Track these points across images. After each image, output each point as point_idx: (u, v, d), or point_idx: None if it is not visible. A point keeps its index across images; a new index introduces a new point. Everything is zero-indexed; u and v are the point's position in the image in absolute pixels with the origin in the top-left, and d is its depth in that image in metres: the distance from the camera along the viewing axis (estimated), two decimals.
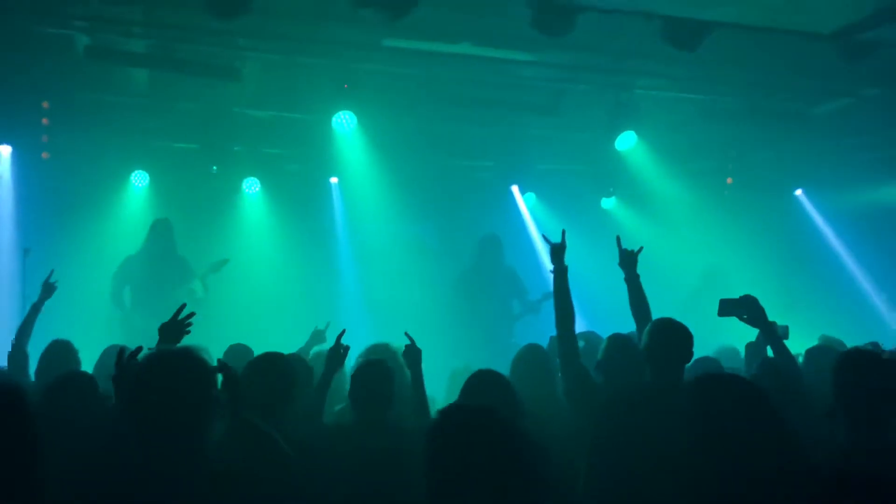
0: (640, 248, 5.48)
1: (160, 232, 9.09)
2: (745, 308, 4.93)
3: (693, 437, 3.03)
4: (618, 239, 5.56)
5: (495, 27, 7.29)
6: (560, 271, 5.14)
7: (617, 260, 5.50)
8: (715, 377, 3.37)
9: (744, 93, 8.82)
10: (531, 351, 5.38)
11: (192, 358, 3.10)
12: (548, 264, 5.23)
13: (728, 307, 4.98)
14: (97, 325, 8.58)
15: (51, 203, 9.30)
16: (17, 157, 9.16)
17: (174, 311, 8.15)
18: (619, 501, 3.77)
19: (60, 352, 5.57)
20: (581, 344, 6.06)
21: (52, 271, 6.27)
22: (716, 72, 8.17)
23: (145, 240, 9.08)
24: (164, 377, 2.99)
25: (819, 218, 10.91)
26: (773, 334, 4.86)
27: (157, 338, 7.92)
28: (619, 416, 4.06)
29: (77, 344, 5.93)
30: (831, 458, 3.34)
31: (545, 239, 5.54)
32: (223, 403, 3.13)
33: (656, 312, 5.26)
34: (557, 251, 5.27)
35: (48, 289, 6.15)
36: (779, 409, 4.05)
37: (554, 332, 6.34)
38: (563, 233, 5.38)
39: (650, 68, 8.34)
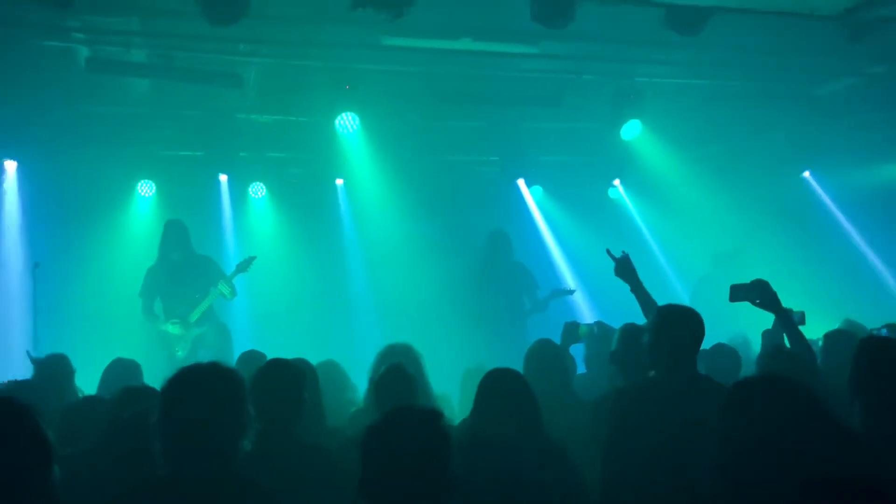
0: (626, 254, 5.43)
1: (175, 234, 8.55)
2: (756, 292, 4.85)
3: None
4: (608, 251, 5.52)
5: (495, 21, 7.26)
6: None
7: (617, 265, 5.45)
8: (755, 383, 3.21)
9: (748, 76, 8.76)
10: (543, 346, 5.33)
11: (224, 372, 3.05)
12: (558, 258, 5.19)
13: (739, 292, 4.91)
14: (113, 334, 8.60)
15: (58, 216, 9.28)
16: (22, 172, 9.17)
17: (208, 315, 8.20)
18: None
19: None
20: (595, 330, 6.07)
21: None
22: (719, 56, 8.11)
23: (160, 246, 8.61)
24: (197, 393, 2.94)
25: (828, 199, 10.84)
26: (787, 319, 4.80)
27: (197, 349, 7.95)
28: (631, 411, 3.92)
29: (95, 355, 5.97)
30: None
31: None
32: (253, 417, 3.07)
33: (669, 300, 5.23)
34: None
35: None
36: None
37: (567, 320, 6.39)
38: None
39: (653, 55, 8.30)
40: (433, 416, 2.69)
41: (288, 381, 3.91)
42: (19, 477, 2.53)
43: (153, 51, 7.79)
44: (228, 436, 2.91)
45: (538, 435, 3.76)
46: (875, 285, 10.09)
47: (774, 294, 4.81)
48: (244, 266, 8.45)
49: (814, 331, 5.60)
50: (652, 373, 4.08)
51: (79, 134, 8.76)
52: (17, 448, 2.58)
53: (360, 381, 5.91)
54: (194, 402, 2.91)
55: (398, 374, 4.43)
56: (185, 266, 8.51)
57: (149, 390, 4.05)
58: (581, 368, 6.27)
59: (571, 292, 9.72)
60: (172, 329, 8.35)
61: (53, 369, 5.45)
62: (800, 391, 3.10)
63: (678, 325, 4.01)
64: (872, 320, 6.01)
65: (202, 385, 2.95)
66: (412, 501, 2.52)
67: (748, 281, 4.98)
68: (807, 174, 10.94)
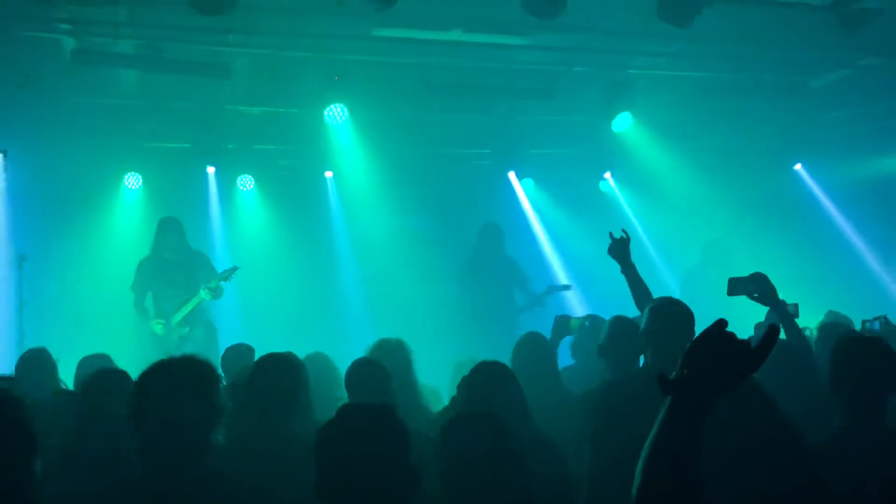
0: (628, 237, 5.38)
1: (169, 233, 8.45)
2: (755, 286, 4.79)
3: None
4: (611, 234, 5.47)
5: (486, 12, 7.20)
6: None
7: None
8: None
9: (741, 68, 8.73)
10: (531, 340, 5.29)
11: (196, 365, 3.01)
12: (549, 251, 5.12)
13: (738, 286, 4.84)
14: (100, 327, 8.54)
15: (45, 208, 9.19)
16: (8, 163, 9.07)
17: (195, 315, 8.15)
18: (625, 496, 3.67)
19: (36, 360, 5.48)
20: (587, 324, 6.03)
21: None
22: (712, 47, 8.08)
23: (154, 242, 8.53)
24: (167, 386, 2.90)
25: (820, 191, 10.83)
26: (783, 313, 4.75)
27: (180, 343, 7.90)
28: (618, 405, 3.91)
29: (81, 348, 5.88)
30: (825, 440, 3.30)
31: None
32: (226, 412, 3.03)
33: (658, 292, 5.18)
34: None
35: None
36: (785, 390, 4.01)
37: (558, 314, 6.34)
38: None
39: (645, 47, 8.27)
40: (386, 410, 2.65)
41: (284, 376, 3.92)
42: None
43: (140, 41, 7.69)
44: (200, 427, 2.87)
45: (524, 427, 3.72)
46: (866, 277, 10.08)
47: (773, 287, 4.76)
48: (226, 275, 8.42)
49: (804, 323, 5.57)
50: (640, 364, 4.04)
51: (65, 125, 8.67)
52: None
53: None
54: (164, 392, 2.87)
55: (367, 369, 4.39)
56: (177, 265, 8.47)
57: (115, 373, 3.98)
58: (568, 361, 6.23)
59: (567, 288, 9.64)
60: (157, 329, 8.32)
61: (34, 363, 5.36)
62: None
63: (673, 317, 3.97)
64: (864, 312, 5.98)
65: (173, 376, 2.93)
66: (372, 499, 2.48)
67: (738, 273, 4.93)
68: (798, 167, 10.93)
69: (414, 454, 2.60)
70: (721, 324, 1.82)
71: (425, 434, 3.55)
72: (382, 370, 4.38)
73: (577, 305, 10.36)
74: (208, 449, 2.90)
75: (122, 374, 3.91)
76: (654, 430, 1.80)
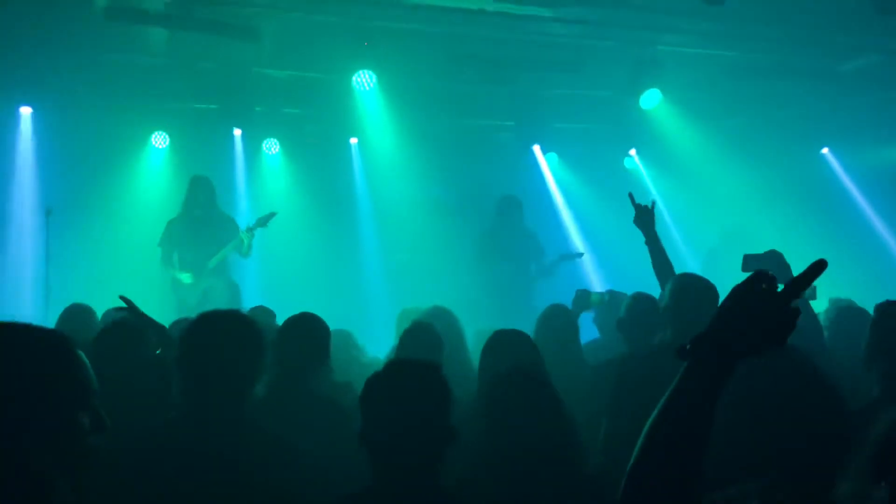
0: (654, 203, 5.33)
1: (200, 191, 8.54)
2: (769, 263, 4.79)
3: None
4: (630, 196, 5.40)
5: None
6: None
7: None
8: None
9: (771, 49, 8.65)
10: (555, 312, 5.31)
11: (246, 319, 3.19)
12: (571, 226, 5.10)
13: (752, 262, 4.85)
14: (122, 281, 8.61)
15: (72, 163, 9.25)
16: (37, 118, 9.16)
17: (220, 269, 8.22)
18: None
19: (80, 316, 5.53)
20: (606, 298, 6.04)
21: None
22: (743, 27, 8.01)
23: (185, 200, 8.62)
24: (217, 335, 3.07)
25: (846, 177, 10.75)
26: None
27: (206, 300, 8.00)
28: (637, 378, 3.92)
29: (103, 300, 5.96)
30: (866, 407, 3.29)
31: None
32: (268, 366, 3.18)
33: (680, 271, 5.17)
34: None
35: None
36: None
37: (578, 287, 6.35)
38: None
39: (676, 24, 8.19)
40: (432, 367, 2.72)
41: (315, 333, 4.03)
42: (37, 417, 2.14)
43: (172, 0, 7.73)
44: (245, 378, 3.02)
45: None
46: (891, 263, 10.02)
47: (787, 266, 4.76)
48: (264, 221, 8.44)
49: (822, 307, 5.56)
50: (657, 340, 4.05)
51: (93, 82, 8.69)
52: (42, 385, 2.17)
53: (367, 341, 5.95)
54: (216, 342, 3.03)
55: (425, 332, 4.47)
56: (206, 221, 8.54)
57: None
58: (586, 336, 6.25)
59: (580, 255, 9.68)
60: (185, 278, 8.39)
61: (77, 320, 5.35)
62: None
63: (696, 293, 3.97)
64: (889, 298, 5.94)
65: (225, 328, 3.09)
66: (411, 451, 2.55)
67: (760, 251, 4.93)
68: (825, 151, 10.84)
69: (454, 416, 2.66)
70: (765, 278, 1.58)
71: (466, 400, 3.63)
72: (437, 336, 4.48)
73: (597, 282, 10.37)
74: (247, 399, 3.03)
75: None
76: (663, 399, 1.63)
